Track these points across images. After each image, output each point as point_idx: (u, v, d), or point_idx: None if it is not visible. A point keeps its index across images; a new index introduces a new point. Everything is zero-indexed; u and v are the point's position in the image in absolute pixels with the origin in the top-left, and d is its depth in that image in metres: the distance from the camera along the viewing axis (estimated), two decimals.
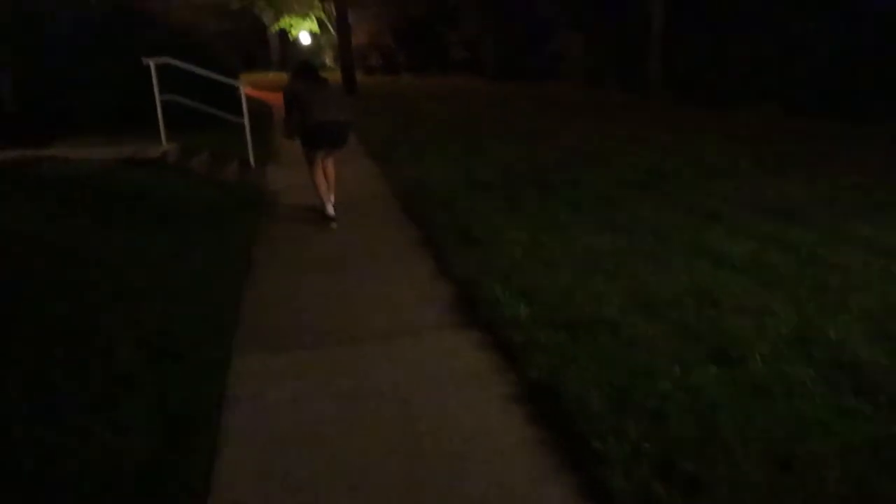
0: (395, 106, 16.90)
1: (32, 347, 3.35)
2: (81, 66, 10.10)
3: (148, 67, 8.68)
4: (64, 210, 5.52)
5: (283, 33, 35.92)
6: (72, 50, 10.17)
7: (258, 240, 6.03)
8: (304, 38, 35.97)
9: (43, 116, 9.40)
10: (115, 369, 3.29)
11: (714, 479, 2.41)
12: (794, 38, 13.72)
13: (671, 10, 16.81)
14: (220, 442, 2.91)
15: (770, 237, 5.28)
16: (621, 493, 2.40)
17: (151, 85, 8.71)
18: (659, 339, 3.49)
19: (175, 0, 29.43)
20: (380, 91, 22.11)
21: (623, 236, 5.40)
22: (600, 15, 20.05)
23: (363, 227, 6.46)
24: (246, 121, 9.48)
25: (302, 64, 6.79)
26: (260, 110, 9.92)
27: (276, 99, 7.01)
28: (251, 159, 9.54)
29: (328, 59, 35.39)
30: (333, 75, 22.33)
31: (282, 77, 8.24)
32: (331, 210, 6.53)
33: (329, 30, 33.21)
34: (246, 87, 10.24)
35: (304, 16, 34.53)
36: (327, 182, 6.67)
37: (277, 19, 34.57)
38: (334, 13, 24.38)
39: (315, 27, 35.34)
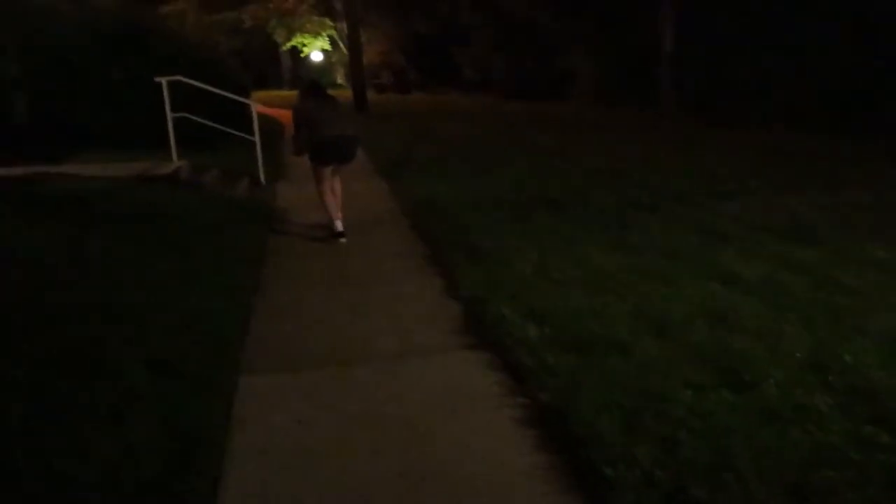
0: (405, 124, 16.95)
1: (38, 365, 3.33)
2: (93, 82, 10.20)
3: (160, 85, 8.75)
4: (74, 228, 5.53)
5: (295, 51, 36.18)
6: (84, 67, 10.26)
7: (267, 257, 6.02)
8: (316, 57, 36.21)
9: (54, 132, 9.47)
10: (121, 388, 3.27)
11: None
12: (805, 57, 13.70)
13: (681, 29, 16.85)
14: (225, 463, 2.88)
15: (782, 258, 5.23)
16: None
17: (163, 102, 8.76)
18: (670, 361, 3.44)
19: (189, 18, 29.86)
20: (391, 109, 22.20)
21: (633, 256, 5.36)
22: (611, 34, 20.12)
23: (372, 244, 6.45)
24: (257, 138, 9.52)
25: (310, 82, 6.94)
26: (270, 128, 9.95)
27: (286, 116, 7.05)
28: (261, 176, 9.57)
29: (339, 78, 35.62)
30: (344, 93, 22.52)
31: (293, 95, 8.32)
32: (339, 226, 6.57)
33: (341, 48, 33.44)
34: (257, 105, 10.30)
35: (316, 34, 34.80)
36: (335, 199, 6.70)
37: (289, 38, 34.84)
38: (346, 32, 24.57)
39: (327, 45, 35.60)
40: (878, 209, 6.74)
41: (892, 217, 6.39)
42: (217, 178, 8.87)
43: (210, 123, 9.52)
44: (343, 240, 6.51)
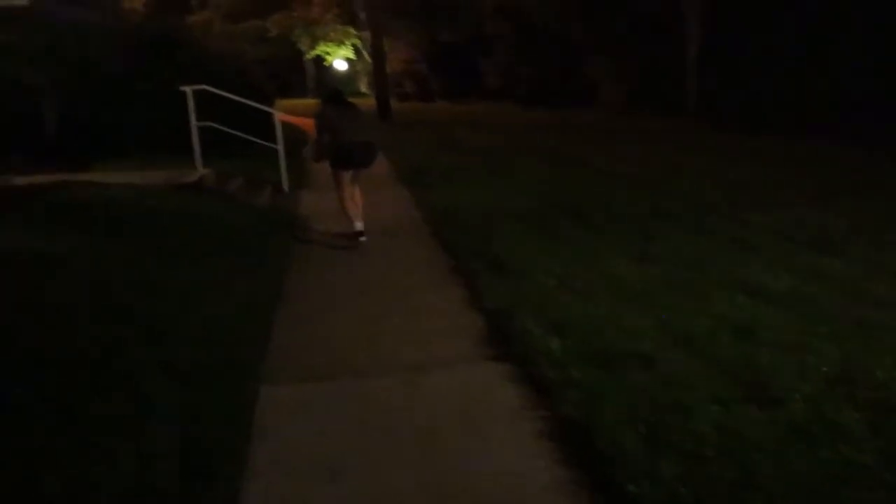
0: (428, 132, 16.98)
1: (60, 372, 3.35)
2: (120, 91, 10.33)
3: (185, 93, 8.84)
4: (98, 234, 5.58)
5: (320, 60, 36.45)
6: (111, 76, 10.41)
7: (290, 265, 6.04)
8: (340, 65, 36.46)
9: (82, 141, 9.59)
10: (142, 396, 3.28)
11: None
12: (833, 66, 13.52)
13: (706, 37, 16.73)
14: (245, 474, 2.88)
15: (811, 270, 5.15)
16: None
17: (188, 110, 8.85)
18: (695, 375, 3.38)
19: (215, 27, 30.21)
20: (414, 117, 22.25)
21: (658, 267, 5.30)
22: (635, 42, 20.02)
23: (395, 254, 6.45)
24: (280, 147, 9.59)
25: (332, 91, 7.15)
26: (294, 136, 10.00)
27: (309, 125, 7.13)
28: (284, 184, 9.63)
29: (363, 86, 35.80)
30: (368, 102, 22.62)
31: (317, 104, 8.42)
32: (359, 225, 6.74)
33: (364, 57, 33.63)
34: (281, 114, 10.36)
35: (340, 43, 35.05)
36: (356, 208, 6.82)
37: (314, 47, 35.11)
38: (370, 41, 24.72)
39: (351, 54, 35.82)
40: None
41: None
42: (241, 186, 8.94)
43: (234, 132, 9.59)
44: (363, 238, 6.68)
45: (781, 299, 4.49)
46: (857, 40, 13.01)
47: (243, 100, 9.57)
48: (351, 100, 7.06)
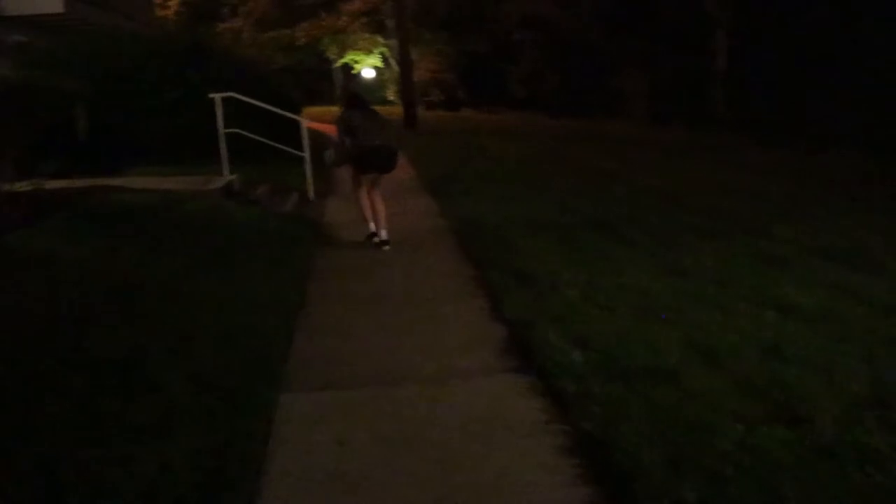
0: (454, 141, 16.96)
1: (82, 376, 3.38)
2: (150, 98, 10.47)
3: (213, 100, 8.93)
4: (126, 239, 5.64)
5: (347, 68, 36.67)
6: (142, 83, 10.56)
7: (313, 273, 6.05)
8: (367, 73, 36.65)
9: (112, 146, 9.72)
10: (162, 401, 3.30)
11: None
12: (863, 78, 13.33)
13: (735, 48, 16.58)
14: (262, 482, 2.87)
15: (841, 286, 5.04)
16: None
17: (216, 117, 8.94)
18: (720, 393, 3.32)
19: (244, 35, 30.54)
20: (440, 126, 22.27)
21: (684, 281, 5.23)
22: (663, 52, 19.91)
23: (418, 263, 6.43)
24: (307, 154, 9.64)
25: (352, 96, 7.35)
26: (321, 143, 10.06)
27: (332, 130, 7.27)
28: (310, 192, 9.67)
29: (390, 94, 35.95)
30: (395, 110, 22.69)
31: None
32: (373, 227, 6.92)
33: (392, 65, 33.77)
34: (308, 121, 10.43)
35: (368, 52, 35.23)
36: (377, 216, 6.93)
37: (342, 55, 35.33)
38: (397, 49, 24.83)
39: (379, 62, 35.99)
40: None
41: None
42: (267, 193, 9.00)
43: (261, 139, 9.66)
44: (376, 238, 6.86)
45: (811, 316, 4.40)
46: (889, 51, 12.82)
47: (270, 107, 9.64)
48: (376, 107, 7.15)
